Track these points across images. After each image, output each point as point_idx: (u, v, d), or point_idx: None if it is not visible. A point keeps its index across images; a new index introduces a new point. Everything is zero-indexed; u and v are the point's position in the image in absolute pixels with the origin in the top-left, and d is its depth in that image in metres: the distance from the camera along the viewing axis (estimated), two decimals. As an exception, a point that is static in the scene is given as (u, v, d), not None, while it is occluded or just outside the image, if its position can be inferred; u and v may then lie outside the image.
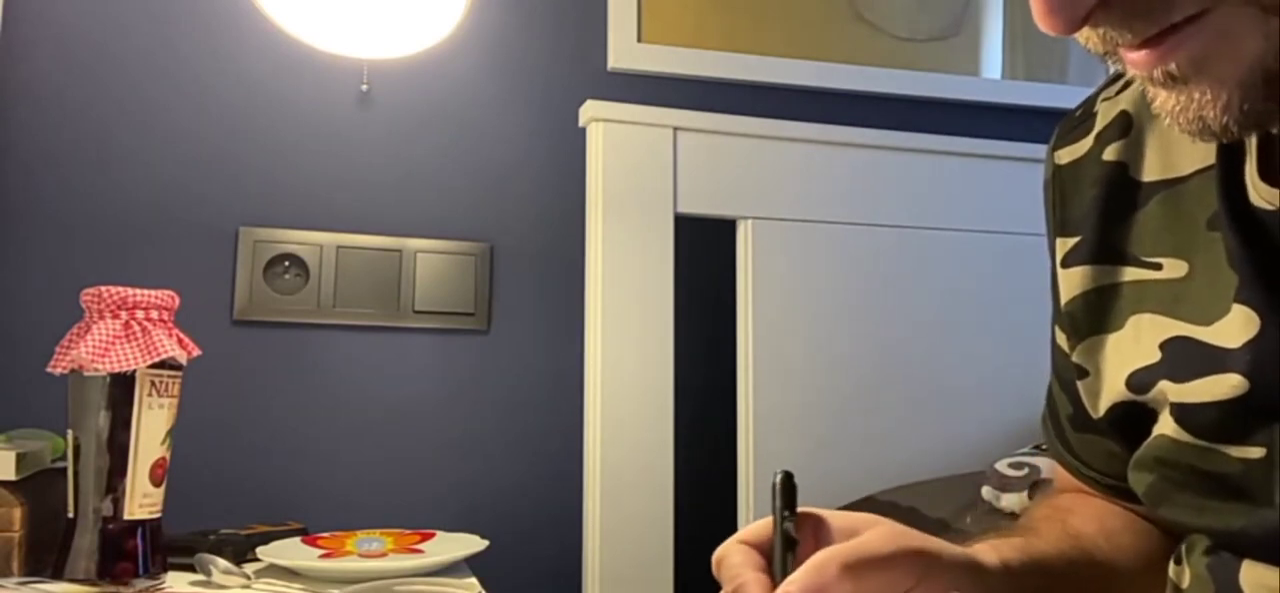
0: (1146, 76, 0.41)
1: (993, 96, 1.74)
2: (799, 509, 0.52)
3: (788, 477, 0.52)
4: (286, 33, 1.34)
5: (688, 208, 1.49)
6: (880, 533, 0.50)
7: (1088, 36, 0.42)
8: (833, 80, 1.67)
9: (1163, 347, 0.53)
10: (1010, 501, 1.23)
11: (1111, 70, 0.46)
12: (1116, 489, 0.64)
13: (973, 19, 1.77)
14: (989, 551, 0.56)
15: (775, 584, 0.49)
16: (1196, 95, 0.40)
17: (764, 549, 0.51)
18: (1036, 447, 1.31)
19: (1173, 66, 0.40)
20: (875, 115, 1.67)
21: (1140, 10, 0.39)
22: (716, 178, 1.51)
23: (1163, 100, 0.42)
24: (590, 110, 1.49)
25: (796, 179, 1.54)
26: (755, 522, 0.53)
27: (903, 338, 1.56)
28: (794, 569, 0.48)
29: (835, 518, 0.52)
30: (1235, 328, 0.49)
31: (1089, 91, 0.65)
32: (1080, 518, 0.64)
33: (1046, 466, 1.20)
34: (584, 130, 1.52)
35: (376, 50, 1.38)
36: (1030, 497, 1.19)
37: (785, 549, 0.50)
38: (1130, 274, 0.57)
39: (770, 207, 1.52)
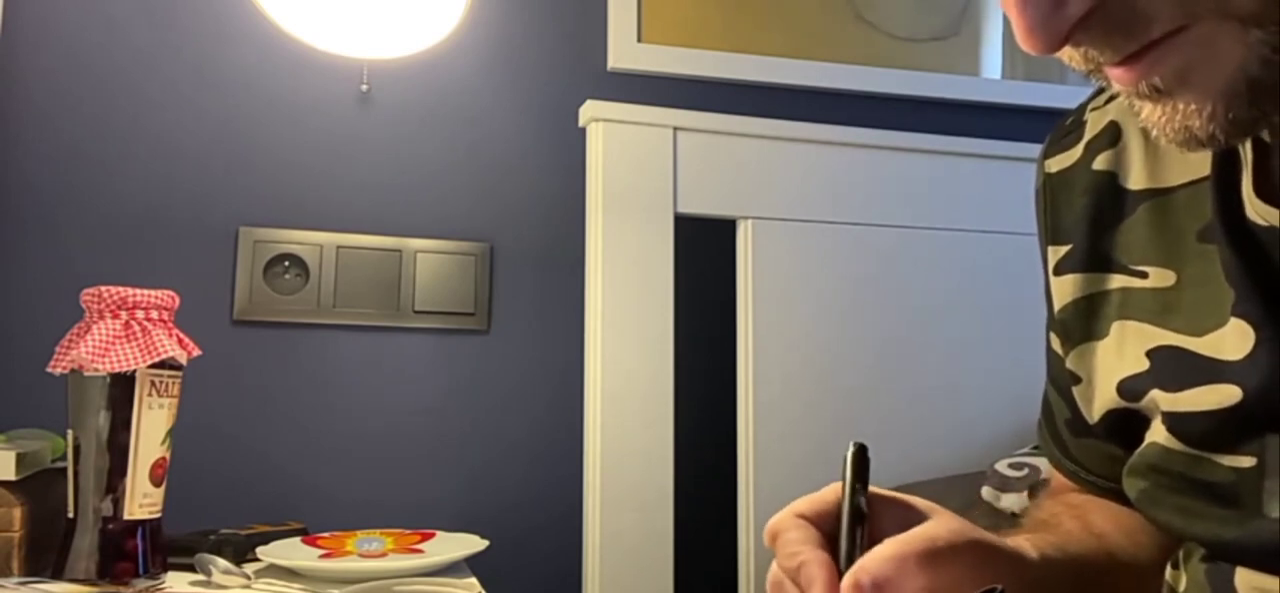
0: (1131, 91, 0.41)
1: (992, 96, 1.74)
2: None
3: (861, 450, 0.50)
4: (286, 33, 1.34)
5: (688, 208, 1.49)
6: (946, 524, 0.48)
7: (1070, 55, 0.42)
8: (833, 80, 1.67)
9: (1150, 355, 0.54)
10: (1010, 501, 1.23)
11: (1097, 85, 0.46)
12: (1116, 493, 0.64)
13: (972, 19, 1.77)
14: (1027, 544, 0.55)
15: (841, 559, 0.47)
16: (1181, 107, 0.40)
17: (821, 524, 0.49)
18: (1036, 447, 1.31)
19: (1156, 80, 0.40)
20: (875, 115, 1.67)
21: (1119, 28, 0.39)
22: (716, 178, 1.51)
23: (1148, 113, 0.42)
24: (590, 110, 1.49)
25: (796, 179, 1.54)
26: (816, 493, 0.51)
27: (903, 338, 1.56)
28: (863, 547, 0.47)
29: (893, 498, 0.51)
30: (1232, 341, 0.49)
31: (1087, 92, 0.65)
32: (1098, 517, 0.64)
33: (1046, 466, 1.20)
34: (584, 130, 1.52)
35: (376, 50, 1.38)
36: (1030, 497, 1.19)
37: (855, 524, 0.48)
38: (1117, 281, 0.57)
39: (770, 207, 1.52)
